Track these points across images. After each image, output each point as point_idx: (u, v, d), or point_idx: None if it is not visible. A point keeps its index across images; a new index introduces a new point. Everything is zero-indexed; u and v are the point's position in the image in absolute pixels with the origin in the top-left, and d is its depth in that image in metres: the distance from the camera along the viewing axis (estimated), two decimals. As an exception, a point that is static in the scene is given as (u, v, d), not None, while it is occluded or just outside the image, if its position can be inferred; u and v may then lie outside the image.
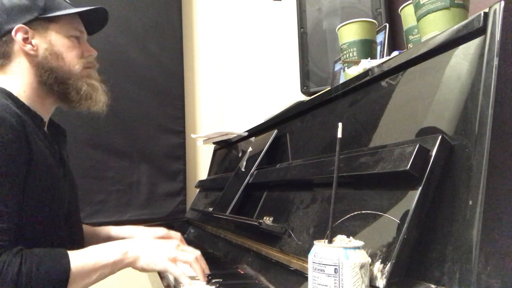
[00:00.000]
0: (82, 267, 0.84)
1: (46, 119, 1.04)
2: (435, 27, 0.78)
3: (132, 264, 0.91)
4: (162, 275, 1.18)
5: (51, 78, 0.99)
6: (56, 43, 1.01)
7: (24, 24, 0.98)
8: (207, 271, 0.93)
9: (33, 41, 0.99)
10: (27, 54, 0.98)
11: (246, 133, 1.51)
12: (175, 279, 0.95)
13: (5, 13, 0.97)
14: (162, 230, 1.17)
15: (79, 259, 0.85)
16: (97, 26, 1.15)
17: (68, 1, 1.06)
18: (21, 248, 0.82)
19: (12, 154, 0.84)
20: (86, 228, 1.21)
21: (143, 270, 0.92)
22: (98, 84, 1.06)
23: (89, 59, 1.06)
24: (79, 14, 1.06)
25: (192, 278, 0.91)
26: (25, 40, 0.98)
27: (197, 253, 0.94)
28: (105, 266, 0.87)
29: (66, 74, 1.01)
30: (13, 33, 0.97)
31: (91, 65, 1.07)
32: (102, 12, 1.10)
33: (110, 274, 0.90)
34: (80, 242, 1.09)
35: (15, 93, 0.97)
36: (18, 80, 0.99)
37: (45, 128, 1.04)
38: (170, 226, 1.48)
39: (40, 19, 0.99)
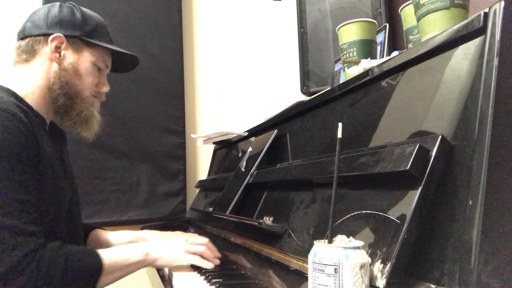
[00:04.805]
0: (113, 264, 0.92)
1: (47, 121, 1.05)
2: (435, 27, 0.78)
3: (152, 264, 1.00)
4: (161, 273, 1.18)
5: (61, 90, 1.03)
6: (81, 63, 1.06)
7: (65, 35, 1.04)
8: (218, 254, 1.07)
9: (63, 52, 1.04)
10: (51, 59, 1.03)
11: (246, 133, 1.51)
12: (169, 270, 1.08)
13: (52, 19, 1.04)
14: (179, 234, 1.25)
15: (109, 257, 0.92)
16: (123, 68, 1.24)
17: (110, 37, 1.14)
18: (62, 242, 0.88)
19: (26, 146, 0.87)
20: (99, 232, 1.24)
21: (162, 267, 1.04)
22: (97, 114, 1.11)
23: (100, 90, 1.11)
24: (112, 52, 1.14)
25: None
26: (57, 48, 1.03)
27: (205, 241, 1.06)
28: (131, 265, 0.96)
29: (76, 93, 1.05)
30: (50, 37, 1.02)
31: (99, 96, 1.12)
32: (134, 59, 1.20)
33: (132, 272, 0.98)
34: (80, 243, 1.09)
35: (22, 93, 0.99)
36: (31, 79, 1.02)
37: (47, 128, 1.04)
38: (170, 226, 1.49)
39: (80, 39, 1.06)
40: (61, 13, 1.05)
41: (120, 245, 1.02)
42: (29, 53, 1.03)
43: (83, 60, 1.06)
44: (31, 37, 1.04)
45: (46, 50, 1.02)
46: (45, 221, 0.90)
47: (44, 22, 1.04)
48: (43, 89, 1.02)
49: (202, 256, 1.02)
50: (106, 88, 1.13)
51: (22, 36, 1.05)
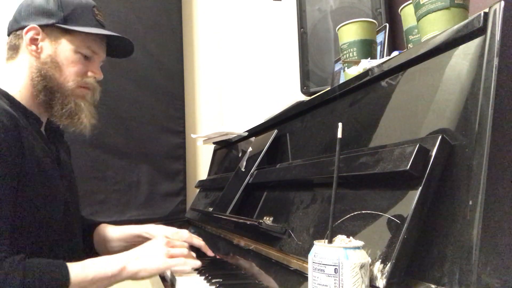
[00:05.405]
0: (82, 279, 0.86)
1: (43, 119, 1.03)
2: (435, 27, 0.78)
3: (132, 277, 0.93)
4: (162, 275, 1.18)
5: (41, 84, 0.98)
6: (60, 53, 1.00)
7: (40, 26, 0.98)
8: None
9: (41, 44, 0.99)
10: (30, 53, 0.99)
11: (246, 133, 1.51)
12: (171, 274, 1.01)
13: (27, 11, 0.99)
14: (185, 235, 1.17)
15: (79, 271, 0.87)
16: (121, 53, 1.14)
17: (100, 21, 1.05)
18: (23, 256, 0.82)
19: (3, 153, 0.84)
20: (103, 228, 1.23)
21: (145, 279, 0.95)
22: (86, 106, 1.03)
23: (88, 79, 1.04)
24: (105, 37, 1.06)
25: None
26: (33, 40, 0.99)
27: (185, 243, 1.03)
28: (103, 279, 0.89)
29: (56, 86, 0.99)
30: (24, 30, 0.98)
31: (89, 86, 1.04)
32: (126, 41, 1.10)
33: (108, 286, 0.92)
34: (78, 243, 1.09)
35: (13, 92, 0.97)
36: (17, 77, 0.99)
37: (43, 128, 1.03)
38: (170, 226, 1.48)
39: (56, 27, 0.99)
40: (34, 2, 1.00)
41: (95, 258, 0.94)
42: (13, 50, 1.01)
43: (61, 50, 0.99)
44: (12, 33, 1.01)
45: (24, 44, 0.99)
46: (19, 230, 0.88)
47: (20, 15, 1.00)
48: (28, 86, 0.98)
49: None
50: (92, 77, 1.04)
51: (7, 33, 1.04)
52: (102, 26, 1.06)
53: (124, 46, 1.12)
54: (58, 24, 0.99)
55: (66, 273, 0.84)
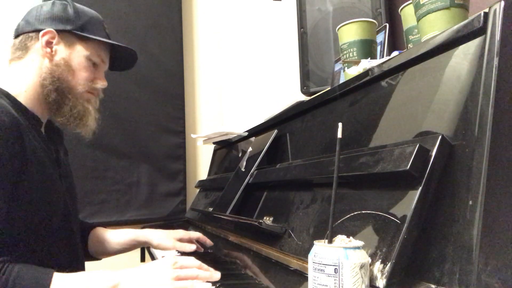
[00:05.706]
0: None
1: (43, 120, 1.04)
2: (435, 27, 0.78)
3: None
4: None
5: (53, 85, 1.01)
6: (74, 58, 1.04)
7: (56, 30, 1.02)
8: (216, 275, 0.86)
9: (55, 47, 1.02)
10: (43, 55, 1.01)
11: (246, 133, 1.51)
12: None
13: (44, 15, 1.03)
14: (181, 232, 1.20)
15: (63, 283, 0.81)
16: (122, 65, 1.20)
17: (107, 32, 1.12)
18: (3, 259, 0.81)
19: (3, 154, 0.84)
20: (100, 231, 1.23)
21: None
22: (93, 110, 1.08)
23: (96, 86, 1.08)
24: (109, 48, 1.12)
25: None
26: (49, 43, 1.02)
27: (197, 263, 0.87)
28: None
29: (68, 88, 1.03)
30: (41, 33, 1.01)
31: (95, 92, 1.09)
32: (132, 54, 1.16)
33: None
34: (77, 244, 1.09)
35: (15, 93, 0.98)
36: (23, 77, 1.00)
37: (43, 129, 1.04)
38: (170, 226, 1.48)
39: (72, 33, 1.04)
40: (53, 9, 1.04)
41: (85, 272, 0.87)
42: (22, 50, 1.02)
43: (76, 55, 1.04)
44: (23, 34, 1.03)
45: (38, 46, 1.01)
46: (17, 230, 0.87)
47: (36, 18, 1.03)
48: (35, 86, 1.00)
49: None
50: (101, 84, 1.09)
51: (16, 34, 1.05)
52: (109, 38, 1.12)
53: (127, 58, 1.18)
54: (75, 31, 1.03)
55: (46, 282, 0.80)
